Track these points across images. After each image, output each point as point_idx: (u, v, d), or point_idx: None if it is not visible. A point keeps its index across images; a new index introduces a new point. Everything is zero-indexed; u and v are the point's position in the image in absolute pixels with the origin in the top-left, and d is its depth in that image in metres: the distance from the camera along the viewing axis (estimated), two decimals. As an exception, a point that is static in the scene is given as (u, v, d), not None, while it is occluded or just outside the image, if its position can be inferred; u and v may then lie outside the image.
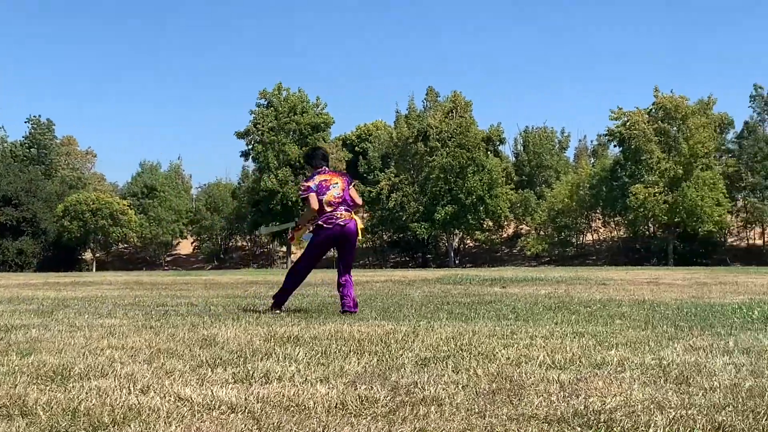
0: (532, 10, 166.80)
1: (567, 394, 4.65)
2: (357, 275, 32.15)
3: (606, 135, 78.94)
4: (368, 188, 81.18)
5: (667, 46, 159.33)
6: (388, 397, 4.63)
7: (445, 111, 78.50)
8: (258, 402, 4.49)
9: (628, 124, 72.60)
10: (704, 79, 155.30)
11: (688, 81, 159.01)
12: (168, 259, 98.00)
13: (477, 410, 4.32)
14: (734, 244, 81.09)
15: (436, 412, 4.27)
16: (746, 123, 77.99)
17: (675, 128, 72.36)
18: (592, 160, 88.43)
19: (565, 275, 28.49)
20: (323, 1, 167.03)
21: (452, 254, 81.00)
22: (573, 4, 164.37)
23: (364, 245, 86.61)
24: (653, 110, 73.85)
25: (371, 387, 4.90)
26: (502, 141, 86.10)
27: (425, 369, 5.58)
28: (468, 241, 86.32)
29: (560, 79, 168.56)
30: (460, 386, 4.94)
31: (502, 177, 78.93)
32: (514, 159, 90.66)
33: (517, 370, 5.46)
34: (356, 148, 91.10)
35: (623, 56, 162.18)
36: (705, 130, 70.72)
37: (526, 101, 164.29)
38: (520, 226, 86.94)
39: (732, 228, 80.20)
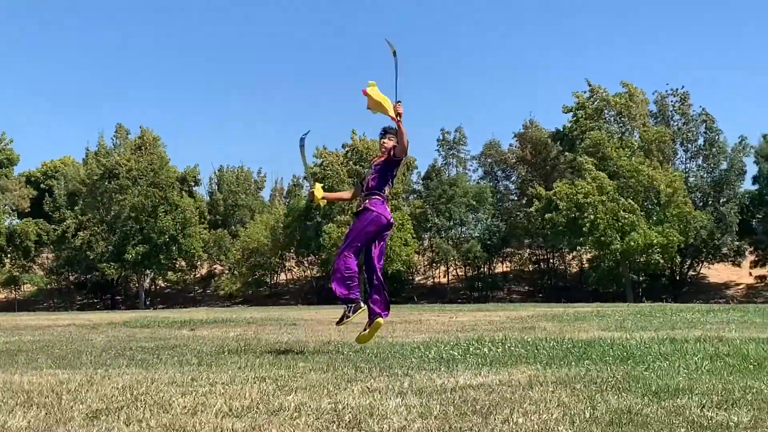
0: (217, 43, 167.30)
1: (239, 444, 4.59)
2: (40, 320, 30.65)
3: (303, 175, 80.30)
4: (53, 227, 77.98)
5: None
6: (51, 456, 4.38)
7: (134, 147, 76.92)
8: None
9: (324, 164, 74.14)
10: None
11: (380, 124, 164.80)
12: None
13: (144, 466, 4.17)
14: (421, 282, 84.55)
15: (100, 470, 4.08)
16: (432, 165, 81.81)
17: (367, 170, 74.74)
18: (287, 200, 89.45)
19: (257, 316, 28.47)
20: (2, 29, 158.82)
21: (143, 295, 79.19)
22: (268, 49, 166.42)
23: (48, 287, 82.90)
24: (349, 152, 75.92)
25: (33, 445, 4.62)
26: (197, 182, 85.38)
27: (95, 422, 5.34)
28: (160, 282, 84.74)
29: (255, 118, 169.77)
30: (130, 440, 4.76)
31: (196, 216, 78.24)
32: (208, 198, 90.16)
33: (192, 420, 5.33)
34: (42, 185, 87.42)
35: (317, 99, 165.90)
36: (393, 173, 73.56)
37: (223, 140, 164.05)
38: (214, 266, 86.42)
39: (419, 267, 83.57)
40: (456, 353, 9.81)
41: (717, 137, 73.35)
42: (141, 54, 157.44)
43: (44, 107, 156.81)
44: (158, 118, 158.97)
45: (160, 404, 6.03)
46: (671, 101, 74.79)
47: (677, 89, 74.67)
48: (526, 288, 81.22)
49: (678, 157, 76.02)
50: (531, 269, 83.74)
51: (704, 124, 73.66)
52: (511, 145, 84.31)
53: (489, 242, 78.24)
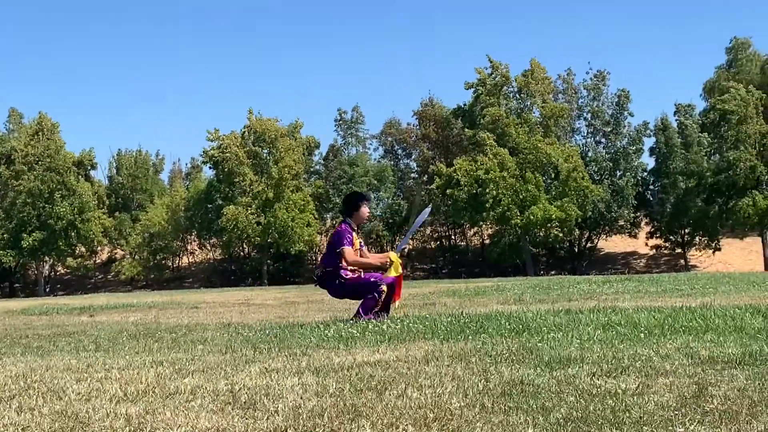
0: (110, 27, 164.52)
1: (132, 429, 4.56)
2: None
3: (201, 158, 79.24)
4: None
5: (261, 69, 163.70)
6: (-63, 448, 4.30)
7: (31, 133, 75.21)
8: None
9: (221, 146, 73.47)
10: (293, 103, 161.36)
11: (279, 105, 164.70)
12: None
13: (33, 454, 4.12)
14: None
15: (-12, 461, 4.02)
16: (331, 146, 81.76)
17: (266, 151, 74.42)
18: (187, 183, 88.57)
19: (159, 300, 28.21)
20: None
21: (43, 282, 77.65)
22: (155, 20, 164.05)
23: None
24: (246, 133, 75.40)
25: None
26: (93, 166, 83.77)
27: (-15, 412, 5.25)
28: (60, 268, 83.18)
29: (155, 100, 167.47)
30: (20, 428, 4.69)
31: (94, 201, 76.89)
32: (107, 182, 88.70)
33: (86, 406, 5.28)
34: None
35: (220, 80, 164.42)
36: (294, 153, 73.34)
37: (120, 124, 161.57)
38: (115, 251, 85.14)
39: (322, 247, 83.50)
40: (355, 331, 9.84)
41: (625, 116, 74.90)
42: (31, 34, 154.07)
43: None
44: (51, 100, 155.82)
45: (54, 391, 5.95)
46: (584, 79, 76.19)
47: (597, 70, 76.24)
48: (430, 265, 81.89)
49: (579, 132, 77.44)
50: (433, 246, 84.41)
51: (617, 103, 74.90)
52: (409, 124, 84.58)
53: (391, 221, 78.64)
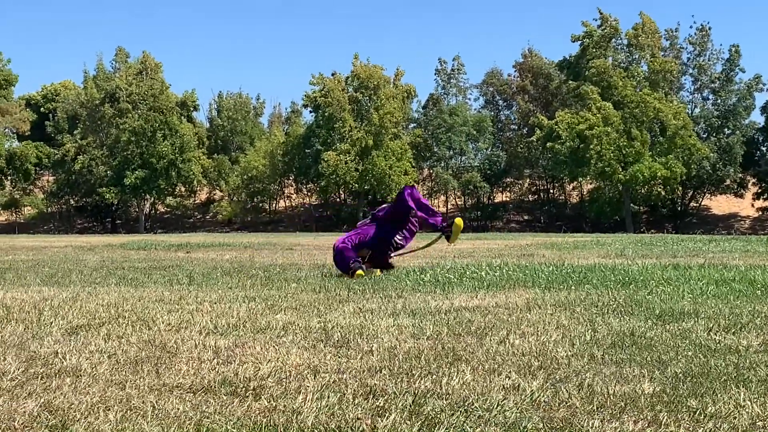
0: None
1: (220, 361, 4.35)
2: (37, 241, 30.55)
3: (303, 101, 79.32)
4: (54, 150, 77.60)
5: (364, 16, 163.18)
6: (21, 369, 4.15)
7: (134, 72, 76.17)
8: None
9: (324, 91, 73.44)
10: (395, 53, 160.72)
11: (382, 54, 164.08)
12: None
13: (117, 381, 3.92)
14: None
15: (70, 384, 3.84)
16: (431, 95, 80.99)
17: (367, 97, 74.10)
18: (286, 127, 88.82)
19: (255, 241, 28.34)
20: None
21: (143, 220, 79.01)
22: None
23: (48, 210, 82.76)
24: (349, 78, 75.16)
25: (4, 359, 4.40)
26: (196, 107, 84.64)
27: (73, 337, 5.11)
28: (160, 207, 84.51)
29: (254, 45, 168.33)
30: (106, 355, 4.53)
31: (195, 142, 77.72)
32: (208, 124, 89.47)
33: (175, 336, 5.11)
34: (42, 108, 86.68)
35: (322, 26, 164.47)
36: (394, 101, 72.84)
37: (222, 67, 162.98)
38: (214, 192, 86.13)
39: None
40: (452, 276, 9.56)
41: (735, 72, 72.34)
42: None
43: (43, 29, 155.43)
44: (157, 42, 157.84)
45: (144, 321, 5.81)
46: (689, 33, 73.94)
47: (700, 23, 73.80)
48: (526, 218, 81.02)
49: (686, 88, 75.24)
50: (531, 199, 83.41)
51: (727, 60, 72.38)
52: (509, 75, 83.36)
53: (489, 172, 77.81)
